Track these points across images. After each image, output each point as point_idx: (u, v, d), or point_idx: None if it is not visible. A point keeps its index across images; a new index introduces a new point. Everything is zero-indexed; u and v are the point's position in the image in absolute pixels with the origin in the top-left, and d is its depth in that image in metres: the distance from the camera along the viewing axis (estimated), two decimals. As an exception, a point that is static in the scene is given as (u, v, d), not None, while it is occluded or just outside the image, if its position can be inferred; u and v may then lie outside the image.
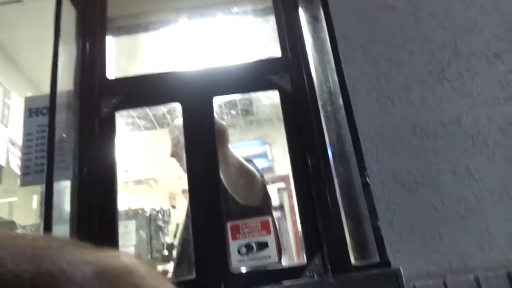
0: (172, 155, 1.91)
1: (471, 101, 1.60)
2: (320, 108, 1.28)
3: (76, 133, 1.33)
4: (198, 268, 1.12)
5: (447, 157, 1.51)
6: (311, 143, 1.23)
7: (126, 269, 0.37)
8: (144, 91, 1.33)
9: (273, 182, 4.44)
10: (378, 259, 1.10)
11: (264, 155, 4.86)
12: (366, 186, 1.16)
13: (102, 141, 1.29)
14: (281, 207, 4.40)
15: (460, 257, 1.37)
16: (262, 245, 1.13)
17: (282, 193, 4.59)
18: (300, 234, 1.16)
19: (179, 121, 1.91)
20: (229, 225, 1.16)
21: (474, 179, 1.48)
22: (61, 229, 1.24)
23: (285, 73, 1.33)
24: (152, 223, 3.32)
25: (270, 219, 1.17)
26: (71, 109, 1.43)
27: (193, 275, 1.12)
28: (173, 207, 5.14)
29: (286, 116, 1.29)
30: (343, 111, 1.26)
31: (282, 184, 4.72)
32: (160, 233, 3.24)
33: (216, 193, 1.20)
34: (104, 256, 0.38)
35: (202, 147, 1.26)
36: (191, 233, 1.15)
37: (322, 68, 1.34)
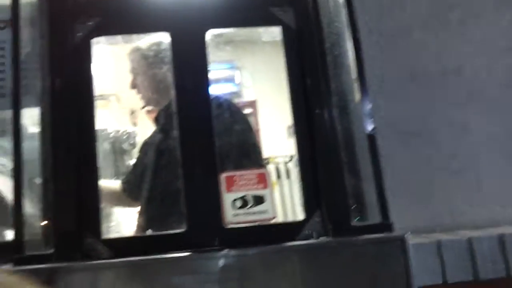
0: (132, 87, 1.74)
1: (473, 50, 1.52)
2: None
3: (45, 56, 1.14)
4: (190, 221, 1.04)
5: (444, 109, 1.46)
6: (315, 90, 1.11)
7: None
8: (126, 15, 1.15)
9: (240, 108, 4.34)
10: (379, 220, 1.05)
11: (231, 80, 4.69)
12: (372, 140, 1.09)
13: (76, 68, 1.13)
14: (247, 133, 4.34)
15: (450, 214, 1.36)
16: (259, 199, 1.06)
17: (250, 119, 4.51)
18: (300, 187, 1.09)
19: (142, 45, 1.72)
20: (223, 176, 1.06)
21: (470, 133, 1.44)
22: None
23: (288, 7, 1.18)
24: (116, 145, 3.17)
25: (267, 172, 1.08)
26: (35, 26, 1.23)
27: (184, 228, 1.04)
28: (134, 124, 4.97)
29: (288, 56, 1.16)
30: (350, 56, 1.14)
31: (249, 110, 4.63)
32: (125, 157, 3.11)
33: (209, 139, 1.09)
34: None
35: (192, 85, 1.13)
36: (183, 183, 1.05)
37: (330, 5, 1.20)
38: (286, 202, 3.26)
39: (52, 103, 1.11)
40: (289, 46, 1.17)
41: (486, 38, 1.52)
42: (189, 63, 1.14)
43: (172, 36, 1.14)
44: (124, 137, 3.43)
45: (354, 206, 1.09)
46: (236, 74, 4.66)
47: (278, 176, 3.78)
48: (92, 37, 1.13)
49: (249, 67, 4.63)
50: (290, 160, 3.61)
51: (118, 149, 3.21)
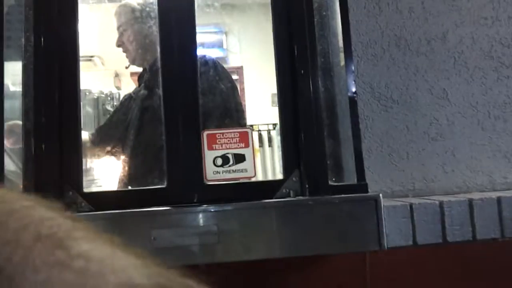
0: (118, 45, 1.72)
1: (459, 18, 1.52)
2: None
3: (29, 8, 1.12)
4: (170, 177, 1.05)
5: (426, 76, 1.47)
6: (302, 51, 1.11)
7: None
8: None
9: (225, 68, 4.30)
10: (355, 181, 1.08)
11: (219, 45, 4.63)
12: (353, 104, 1.10)
13: (61, 19, 1.10)
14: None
15: (424, 179, 1.40)
16: (239, 158, 1.07)
17: (234, 85, 4.48)
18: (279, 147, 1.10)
19: (129, 1, 1.69)
20: (205, 133, 1.07)
21: (449, 101, 1.47)
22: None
23: (277, -35, 1.16)
24: (100, 105, 3.14)
25: (249, 131, 1.09)
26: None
27: (164, 184, 1.05)
28: (118, 88, 4.90)
29: (275, 16, 1.15)
30: (337, 18, 1.14)
31: (235, 76, 4.59)
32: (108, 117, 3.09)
33: (193, 96, 1.09)
34: None
35: (179, 42, 1.12)
36: (165, 140, 1.05)
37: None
38: (267, 171, 3.28)
39: (36, 58, 1.09)
40: (277, 6, 1.15)
41: (473, 7, 1.52)
42: (176, 19, 1.12)
43: (157, -12, 1.12)
44: (108, 99, 3.40)
45: (331, 167, 1.11)
46: (223, 39, 4.59)
47: (261, 145, 3.80)
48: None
49: (236, 32, 4.57)
50: (274, 129, 3.62)
51: (102, 110, 3.19)
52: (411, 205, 1.20)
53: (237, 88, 1.63)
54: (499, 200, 1.24)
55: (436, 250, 1.21)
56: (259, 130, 3.80)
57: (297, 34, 1.11)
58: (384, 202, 1.25)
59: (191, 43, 1.13)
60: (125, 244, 0.29)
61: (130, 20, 1.64)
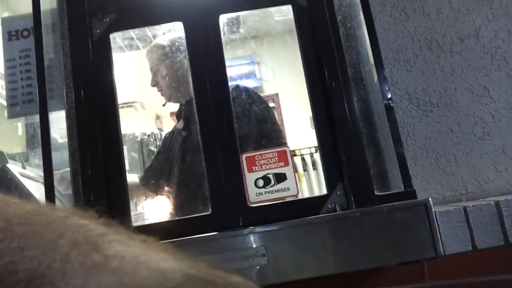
0: (153, 85, 1.78)
1: (490, 13, 1.48)
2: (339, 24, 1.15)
3: (66, 57, 1.19)
4: (214, 202, 1.06)
5: (464, 75, 1.43)
6: (330, 64, 1.11)
7: None
8: (140, 9, 1.18)
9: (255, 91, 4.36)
10: (401, 189, 1.04)
11: (253, 75, 4.71)
12: (389, 110, 1.08)
13: (96, 66, 1.16)
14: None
15: (476, 181, 1.34)
16: (280, 177, 1.06)
17: (272, 113, 4.53)
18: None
19: (158, 41, 1.75)
20: (244, 156, 1.08)
21: (492, 98, 1.41)
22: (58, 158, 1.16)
23: (297, -15, 1.18)
24: (143, 147, 3.24)
25: (287, 149, 1.09)
26: (56, 31, 1.27)
27: (209, 210, 1.05)
28: (160, 130, 5.05)
29: (301, 34, 1.16)
30: (363, 28, 1.14)
31: (272, 104, 4.64)
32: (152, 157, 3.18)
33: (228, 121, 1.11)
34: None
35: (209, 70, 1.14)
36: (205, 168, 1.07)
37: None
38: (314, 193, 3.24)
39: (77, 105, 1.15)
40: (301, 24, 1.17)
41: (504, 0, 1.48)
42: (204, 49, 1.15)
43: (185, 24, 1.16)
44: (151, 140, 3.51)
45: (376, 178, 1.08)
46: (256, 69, 4.68)
47: (305, 169, 3.77)
48: (109, 33, 1.16)
49: (268, 61, 4.65)
50: (316, 151, 3.60)
51: (146, 151, 3.29)
52: (465, 208, 1.15)
53: (271, 108, 1.64)
54: (561, 194, 1.16)
55: (499, 252, 1.14)
56: (301, 155, 3.79)
57: (324, 49, 1.12)
58: (436, 208, 1.21)
59: (221, 72, 1.16)
60: (157, 242, 0.30)
61: (161, 58, 1.70)
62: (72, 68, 1.17)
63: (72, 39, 1.15)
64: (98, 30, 1.14)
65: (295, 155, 3.83)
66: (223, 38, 1.18)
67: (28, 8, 1.21)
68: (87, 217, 0.32)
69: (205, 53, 1.15)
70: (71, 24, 1.15)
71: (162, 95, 1.78)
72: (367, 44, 1.13)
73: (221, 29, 1.18)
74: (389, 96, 1.09)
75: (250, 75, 4.66)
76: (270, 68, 4.58)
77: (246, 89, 1.52)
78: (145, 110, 5.14)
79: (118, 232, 0.31)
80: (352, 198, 1.03)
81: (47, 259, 0.27)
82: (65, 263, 0.26)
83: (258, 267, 0.95)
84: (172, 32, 1.67)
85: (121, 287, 0.25)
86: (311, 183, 3.75)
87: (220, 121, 1.11)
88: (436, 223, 0.98)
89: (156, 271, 0.26)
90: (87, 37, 1.14)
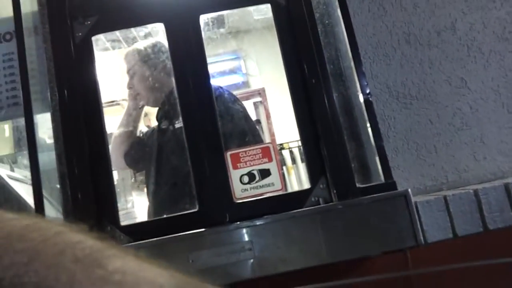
0: (129, 87, 1.78)
1: (465, 6, 1.52)
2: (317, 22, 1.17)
3: (49, 61, 1.20)
4: (201, 200, 1.08)
5: (441, 67, 1.47)
6: (310, 61, 1.14)
7: None
8: (121, 11, 1.19)
9: (248, 97, 4.37)
10: (382, 181, 1.08)
11: (238, 70, 4.72)
12: (369, 104, 1.11)
13: (80, 68, 1.17)
14: (258, 122, 4.38)
15: (456, 170, 1.38)
16: (265, 173, 1.09)
17: (258, 107, 4.55)
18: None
19: (137, 45, 1.76)
20: (228, 154, 1.10)
21: (469, 89, 1.45)
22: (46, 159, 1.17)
23: (275, -17, 1.20)
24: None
25: (271, 146, 1.12)
26: (39, 34, 1.28)
27: (196, 208, 1.08)
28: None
29: (281, 32, 1.18)
30: (341, 24, 1.16)
31: (258, 98, 4.66)
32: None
33: (212, 119, 1.13)
34: None
35: (192, 70, 1.16)
36: (190, 165, 1.09)
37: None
38: (304, 185, 3.28)
39: (61, 107, 1.16)
40: (280, 22, 1.19)
41: (478, -8, 1.52)
42: (186, 49, 1.17)
43: (166, 25, 1.18)
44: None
45: (358, 170, 1.11)
46: (242, 64, 4.68)
47: (294, 162, 3.81)
48: (92, 35, 1.18)
49: (253, 56, 4.65)
50: (304, 144, 3.62)
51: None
52: (445, 197, 1.19)
53: (246, 109, 1.66)
54: (536, 180, 1.21)
55: (478, 239, 1.18)
56: (289, 148, 3.82)
57: (303, 47, 1.14)
58: (417, 198, 1.25)
59: (204, 71, 1.18)
60: (148, 257, 0.33)
61: (138, 62, 1.71)
62: (55, 71, 1.17)
63: (54, 43, 1.15)
64: (80, 33, 1.15)
65: (283, 148, 3.86)
66: (209, 34, 1.19)
67: (10, 11, 1.21)
68: (80, 232, 0.34)
69: (187, 53, 1.16)
70: (53, 28, 1.16)
71: (138, 98, 1.79)
72: (345, 40, 1.16)
73: (206, 25, 1.20)
74: (368, 90, 1.12)
75: (236, 70, 4.67)
76: (256, 62, 4.59)
77: (225, 91, 1.55)
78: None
79: (113, 247, 0.33)
80: (335, 191, 1.06)
81: (52, 273, 0.29)
82: (72, 277, 0.29)
83: (244, 261, 0.98)
84: (150, 38, 1.69)
85: None
86: (299, 176, 3.79)
87: (204, 120, 1.13)
88: (416, 212, 1.02)
89: (154, 285, 0.29)
90: (69, 40, 1.15)
